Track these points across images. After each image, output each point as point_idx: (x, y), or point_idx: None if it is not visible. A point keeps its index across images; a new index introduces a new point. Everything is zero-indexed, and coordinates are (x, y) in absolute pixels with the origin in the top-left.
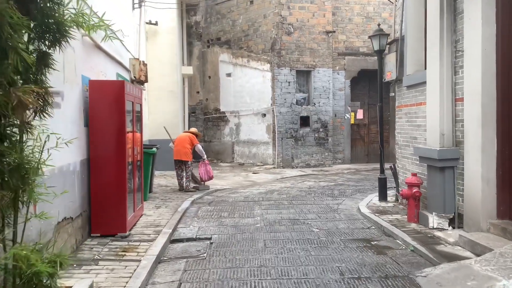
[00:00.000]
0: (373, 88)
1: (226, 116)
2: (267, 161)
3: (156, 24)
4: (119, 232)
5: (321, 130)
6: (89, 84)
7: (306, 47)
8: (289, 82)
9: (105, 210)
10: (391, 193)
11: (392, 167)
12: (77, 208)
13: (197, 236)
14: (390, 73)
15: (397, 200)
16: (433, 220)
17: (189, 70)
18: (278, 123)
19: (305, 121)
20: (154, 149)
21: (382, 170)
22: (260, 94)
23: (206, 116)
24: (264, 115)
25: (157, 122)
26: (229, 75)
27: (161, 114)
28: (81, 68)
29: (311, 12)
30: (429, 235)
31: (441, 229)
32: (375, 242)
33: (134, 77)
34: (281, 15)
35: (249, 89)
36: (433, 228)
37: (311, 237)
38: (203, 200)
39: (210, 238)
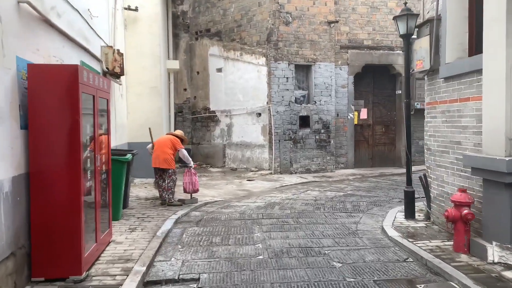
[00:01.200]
0: (378, 85)
1: (216, 115)
2: (263, 166)
3: (136, 10)
4: (72, 274)
5: (322, 131)
6: (28, 70)
7: (306, 39)
8: (287, 78)
9: (52, 244)
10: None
11: (422, 177)
12: (3, 246)
13: (180, 277)
14: (420, 62)
15: (428, 218)
16: (494, 252)
17: (175, 64)
18: (275, 123)
19: (304, 121)
20: (129, 155)
21: (409, 181)
22: (254, 91)
23: (194, 115)
24: (259, 114)
25: (137, 122)
26: (219, 70)
27: (141, 113)
28: (15, 47)
29: None
30: (494, 275)
31: (506, 265)
32: (422, 286)
33: (107, 68)
34: (278, 3)
35: (242, 85)
36: (494, 263)
37: (334, 277)
38: (190, 217)
39: (197, 279)
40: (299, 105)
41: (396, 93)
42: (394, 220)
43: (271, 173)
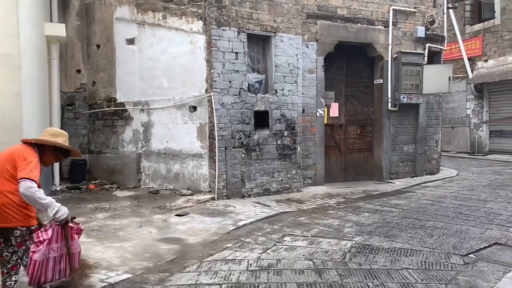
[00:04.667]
0: (352, 71)
1: (127, 110)
2: (200, 186)
3: None
4: None
5: (286, 133)
6: None
7: None
8: (236, 54)
9: None
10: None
11: None
12: None
13: None
14: None
15: None
16: None
17: (58, 30)
18: (218, 122)
19: (262, 119)
20: None
21: None
22: (186, 73)
23: (93, 110)
24: (194, 108)
25: None
26: (131, 42)
27: None
28: None
29: None
30: None
31: None
32: None
33: None
34: None
35: (166, 64)
36: None
37: None
38: None
39: None
40: (253, 95)
41: (374, 82)
42: None
43: (213, 198)
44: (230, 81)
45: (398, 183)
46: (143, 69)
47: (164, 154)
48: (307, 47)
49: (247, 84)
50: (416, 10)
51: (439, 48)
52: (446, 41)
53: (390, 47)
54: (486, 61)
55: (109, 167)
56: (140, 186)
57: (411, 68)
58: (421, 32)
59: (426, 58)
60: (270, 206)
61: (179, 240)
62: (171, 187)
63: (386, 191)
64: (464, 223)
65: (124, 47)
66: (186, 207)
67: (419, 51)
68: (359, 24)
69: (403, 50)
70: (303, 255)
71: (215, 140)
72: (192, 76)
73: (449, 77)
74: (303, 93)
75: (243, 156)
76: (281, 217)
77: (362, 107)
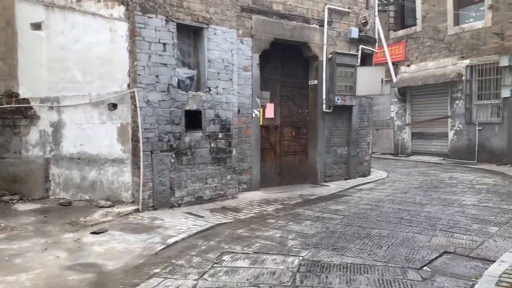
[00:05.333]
0: (287, 70)
1: (32, 108)
2: (121, 196)
3: None
4: None
5: (220, 135)
6: None
7: None
8: (164, 45)
9: None
10: None
11: None
12: None
13: None
14: None
15: None
16: None
17: None
18: (143, 122)
19: (194, 119)
20: None
21: None
22: (105, 65)
23: None
24: (114, 106)
25: None
26: (38, 27)
27: None
28: None
29: None
30: None
31: None
32: None
33: None
34: None
35: (81, 55)
36: None
37: None
38: None
39: None
40: (184, 92)
41: (309, 83)
42: None
43: (137, 210)
44: (157, 76)
45: (333, 186)
46: (53, 60)
47: (78, 159)
48: (242, 43)
49: (177, 80)
50: (350, 10)
51: (371, 50)
52: (377, 43)
53: (325, 47)
54: (408, 66)
55: (9, 175)
56: (49, 197)
57: (345, 69)
58: (354, 33)
59: (359, 60)
60: (204, 217)
61: (94, 266)
62: (87, 197)
63: (322, 195)
64: (409, 230)
65: (29, 33)
66: (104, 222)
67: (352, 52)
68: (294, 22)
69: (337, 51)
70: (247, 280)
71: (139, 143)
72: (112, 69)
73: (382, 79)
74: (238, 92)
75: (172, 160)
76: (217, 230)
77: (297, 108)
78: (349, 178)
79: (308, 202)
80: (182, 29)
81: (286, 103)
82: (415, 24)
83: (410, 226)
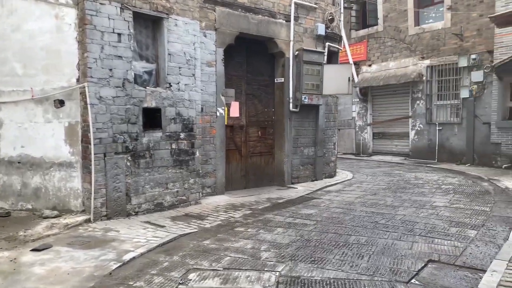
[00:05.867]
0: (253, 67)
1: None
2: (70, 205)
3: None
4: None
5: (182, 136)
6: None
7: None
8: (119, 35)
9: None
10: None
11: None
12: None
13: None
14: None
15: None
16: None
17: None
18: (95, 120)
19: (153, 117)
20: None
21: None
22: (50, 57)
23: None
24: (62, 102)
25: None
26: None
27: None
28: None
29: None
30: None
31: None
32: None
33: None
34: None
35: (22, 45)
36: None
37: None
38: None
39: None
40: (142, 88)
41: (275, 81)
42: None
43: (88, 221)
44: (111, 69)
45: (301, 188)
46: None
47: (19, 163)
48: (205, 36)
49: (133, 74)
50: (316, 6)
51: (336, 48)
52: (342, 41)
53: (291, 43)
54: (370, 65)
55: None
56: None
57: (312, 67)
58: (321, 29)
59: (325, 58)
60: (165, 226)
61: None
62: (29, 206)
63: (291, 198)
64: (387, 236)
65: None
66: (49, 235)
67: (319, 49)
68: (260, 16)
69: (304, 48)
70: None
71: (90, 144)
72: (58, 61)
73: (349, 78)
74: (201, 89)
75: (128, 164)
76: (180, 242)
77: (263, 107)
78: (316, 180)
79: (277, 206)
80: (140, 18)
81: (252, 102)
82: (376, 24)
83: (387, 231)
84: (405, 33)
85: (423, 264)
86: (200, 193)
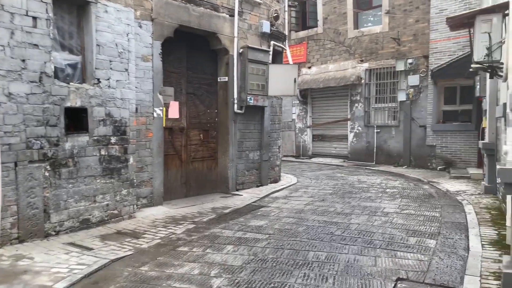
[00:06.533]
0: (194, 64)
1: None
2: None
3: None
4: None
5: (113, 140)
6: None
7: None
8: (35, 19)
9: None
10: None
11: None
12: None
13: None
14: None
15: None
16: None
17: None
18: (3, 122)
19: (77, 119)
20: None
21: None
22: None
23: None
24: None
25: None
26: None
27: None
28: None
29: None
30: None
31: None
32: None
33: None
34: None
35: None
36: None
37: None
38: None
39: None
40: (64, 84)
41: (218, 80)
42: None
43: None
44: (23, 60)
45: (246, 196)
46: None
47: None
48: (141, 26)
49: (53, 67)
50: (261, 1)
51: (281, 47)
52: (287, 41)
53: (236, 40)
54: (310, 67)
55: None
56: None
57: (257, 66)
58: (266, 27)
59: (271, 57)
60: (92, 249)
61: None
62: None
63: (237, 207)
64: (347, 250)
65: None
66: None
67: (264, 48)
68: (202, 8)
69: (249, 45)
70: None
71: None
72: None
73: (295, 78)
74: (136, 86)
75: (47, 174)
76: (112, 270)
77: (206, 108)
78: (262, 185)
79: (224, 217)
80: (62, 1)
81: (193, 102)
82: (316, 26)
83: (346, 244)
84: (345, 36)
85: (393, 285)
86: (135, 206)
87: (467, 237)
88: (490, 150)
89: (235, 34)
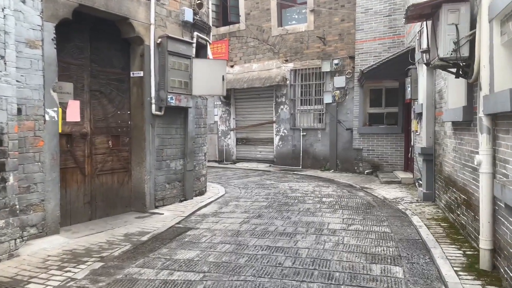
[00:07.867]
0: (100, 55)
1: None
2: None
3: None
4: None
5: None
6: None
7: None
8: None
9: None
10: None
11: None
12: None
13: None
14: None
15: None
16: None
17: None
18: None
19: None
20: None
21: None
22: None
23: None
24: None
25: None
26: None
27: None
28: None
29: None
30: None
31: None
32: None
33: None
34: None
35: None
36: None
37: None
38: None
39: None
40: None
41: (131, 75)
42: None
43: None
44: None
45: (168, 214)
46: None
47: None
48: (24, 2)
49: None
50: None
51: (205, 40)
52: (212, 33)
53: (152, 27)
54: (232, 66)
55: None
56: None
57: (179, 60)
58: (188, 15)
59: (194, 50)
60: None
61: None
62: None
63: (158, 231)
64: None
65: None
66: None
67: (186, 39)
68: None
69: (169, 35)
70: None
71: None
72: None
73: (223, 76)
74: (18, 81)
75: None
76: None
77: (116, 109)
78: (186, 199)
79: (141, 249)
80: None
81: (100, 101)
82: (238, 22)
83: (302, 281)
84: (269, 33)
85: None
86: (18, 240)
87: (433, 261)
88: (428, 155)
89: (152, 21)
